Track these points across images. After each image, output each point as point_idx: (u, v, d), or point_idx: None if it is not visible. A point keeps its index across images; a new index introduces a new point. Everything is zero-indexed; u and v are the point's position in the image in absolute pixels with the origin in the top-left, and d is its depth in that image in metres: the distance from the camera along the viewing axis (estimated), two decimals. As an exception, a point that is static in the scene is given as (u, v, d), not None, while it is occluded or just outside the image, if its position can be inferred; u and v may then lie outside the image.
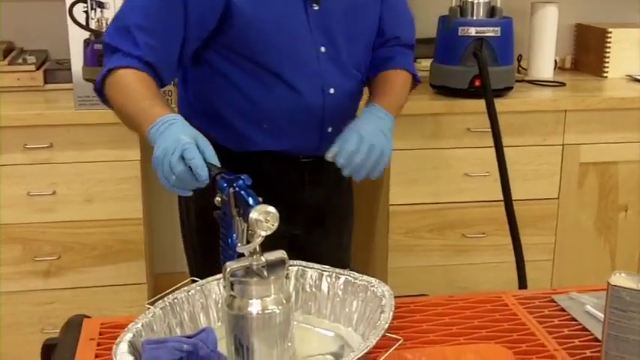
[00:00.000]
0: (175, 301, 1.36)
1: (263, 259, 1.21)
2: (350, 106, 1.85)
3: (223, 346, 1.23)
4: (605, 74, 3.32)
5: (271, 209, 1.19)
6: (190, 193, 1.45)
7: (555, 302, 1.53)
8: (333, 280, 1.43)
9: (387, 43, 1.91)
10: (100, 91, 1.65)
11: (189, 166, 1.39)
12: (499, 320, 1.46)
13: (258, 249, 1.20)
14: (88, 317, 1.47)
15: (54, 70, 2.97)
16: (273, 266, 1.22)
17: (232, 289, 1.19)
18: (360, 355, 1.17)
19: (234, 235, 1.26)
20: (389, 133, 1.74)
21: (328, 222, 1.95)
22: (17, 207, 2.70)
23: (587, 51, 3.47)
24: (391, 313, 1.28)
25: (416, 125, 2.85)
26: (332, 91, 1.76)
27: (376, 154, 1.68)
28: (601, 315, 1.42)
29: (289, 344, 1.23)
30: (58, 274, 2.78)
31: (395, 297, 1.35)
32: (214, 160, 1.40)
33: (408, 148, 2.86)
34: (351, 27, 1.78)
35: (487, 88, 2.60)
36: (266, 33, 1.67)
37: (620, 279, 1.18)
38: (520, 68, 3.35)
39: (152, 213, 3.10)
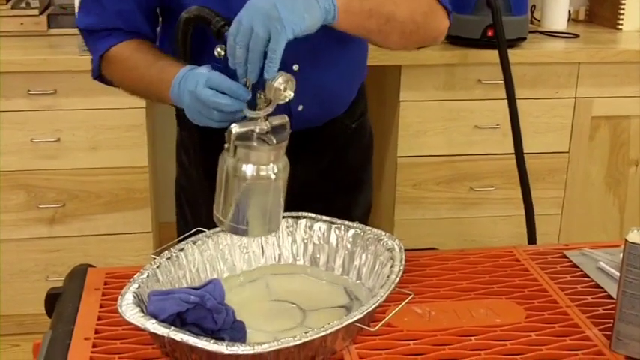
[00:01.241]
0: (182, 251, 1.34)
1: (268, 125, 1.21)
2: (331, 80, 1.57)
3: (230, 298, 1.21)
4: (619, 26, 3.25)
5: (291, 76, 1.20)
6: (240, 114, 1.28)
7: (567, 258, 1.51)
8: (342, 232, 1.41)
9: None
10: (101, 77, 1.60)
11: (223, 92, 1.27)
12: (510, 275, 1.43)
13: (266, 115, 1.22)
14: (92, 266, 1.45)
15: (57, 14, 2.93)
16: (275, 130, 1.22)
17: (235, 152, 1.20)
18: (371, 309, 1.15)
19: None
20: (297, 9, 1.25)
21: (321, 201, 1.62)
22: (21, 154, 2.67)
23: (601, 2, 3.40)
24: (402, 267, 1.26)
25: (427, 76, 2.80)
26: (295, 67, 1.48)
27: (255, 41, 1.23)
28: (614, 272, 1.40)
29: (280, 210, 1.27)
30: (63, 222, 2.76)
31: (404, 250, 1.33)
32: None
33: (417, 100, 2.82)
34: None
35: (501, 38, 2.55)
36: None
37: (637, 236, 1.15)
38: (533, 19, 3.29)
39: (157, 161, 3.08)
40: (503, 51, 2.55)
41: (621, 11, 3.24)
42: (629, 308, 1.16)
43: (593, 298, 1.36)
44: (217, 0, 1.40)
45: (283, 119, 1.24)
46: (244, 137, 1.21)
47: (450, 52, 2.83)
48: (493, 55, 2.59)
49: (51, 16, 2.91)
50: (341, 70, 1.59)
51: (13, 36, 2.85)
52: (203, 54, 1.41)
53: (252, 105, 1.25)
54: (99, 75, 1.60)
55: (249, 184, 1.21)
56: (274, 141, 1.21)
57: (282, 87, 1.20)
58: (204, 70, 1.31)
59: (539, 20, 3.29)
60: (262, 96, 1.23)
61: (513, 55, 2.65)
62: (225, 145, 1.21)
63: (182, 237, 1.38)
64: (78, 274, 1.42)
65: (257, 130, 1.21)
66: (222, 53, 1.28)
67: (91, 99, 2.65)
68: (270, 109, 1.22)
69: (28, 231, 2.75)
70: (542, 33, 3.15)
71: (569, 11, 3.32)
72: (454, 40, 2.87)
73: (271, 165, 1.21)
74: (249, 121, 1.22)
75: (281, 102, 1.21)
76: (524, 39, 2.90)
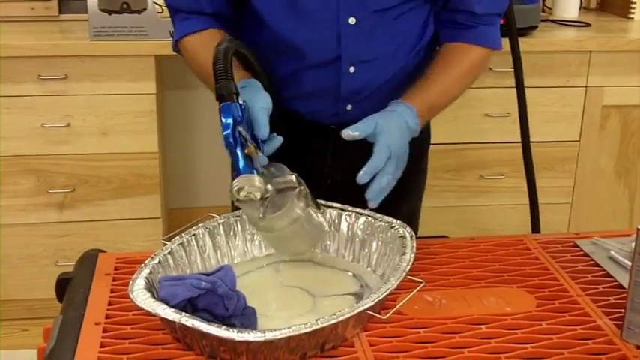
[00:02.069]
0: (193, 237, 1.34)
1: (269, 190, 1.24)
2: (387, 85, 1.58)
3: (241, 285, 1.21)
4: (631, 15, 3.23)
5: (254, 182, 1.22)
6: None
7: (578, 247, 1.50)
8: (353, 220, 1.41)
9: (463, 11, 1.58)
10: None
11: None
12: (521, 264, 1.43)
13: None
14: (103, 252, 1.46)
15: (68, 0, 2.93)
16: (283, 191, 1.26)
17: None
18: (382, 296, 1.15)
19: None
20: (408, 149, 1.44)
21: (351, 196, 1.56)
22: (31, 138, 2.68)
23: (613, -9, 3.39)
24: (412, 255, 1.26)
25: (437, 63, 2.79)
26: (352, 69, 1.54)
27: (397, 175, 1.41)
28: (625, 261, 1.40)
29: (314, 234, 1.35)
30: (73, 207, 2.77)
31: (415, 238, 1.32)
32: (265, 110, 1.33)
33: (428, 87, 2.81)
34: None
35: (512, 26, 2.53)
36: None
37: (650, 225, 1.15)
38: (545, 7, 3.27)
39: (167, 147, 3.08)
40: (514, 39, 2.53)
41: (633, 0, 3.22)
42: (641, 298, 1.16)
43: (604, 288, 1.35)
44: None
45: (290, 179, 1.27)
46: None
47: (461, 39, 2.81)
48: (504, 43, 2.57)
49: (62, 1, 2.91)
50: (393, 81, 1.58)
51: (24, 21, 2.85)
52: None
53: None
54: (177, 50, 1.62)
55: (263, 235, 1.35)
56: (261, 212, 1.25)
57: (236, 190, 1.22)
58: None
59: (550, 8, 3.27)
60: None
61: (524, 43, 2.63)
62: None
63: (193, 223, 1.38)
64: (88, 259, 1.42)
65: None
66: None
67: (101, 84, 2.65)
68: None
69: (38, 216, 2.76)
70: (554, 21, 3.13)
71: (581, 0, 3.30)
72: (465, 27, 2.85)
73: (276, 223, 1.27)
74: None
75: (243, 204, 1.25)
76: (535, 27, 2.89)
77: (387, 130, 1.39)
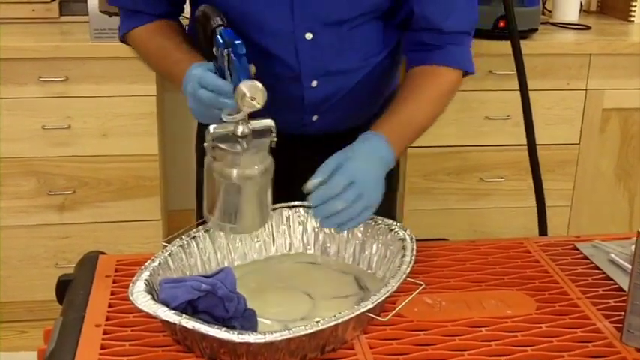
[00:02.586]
0: (193, 239, 1.34)
1: (248, 128, 1.21)
2: (351, 95, 1.57)
3: (241, 287, 1.21)
4: (631, 18, 3.23)
5: (259, 86, 1.18)
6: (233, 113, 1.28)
7: (578, 250, 1.51)
8: (354, 222, 1.41)
9: (429, 30, 1.52)
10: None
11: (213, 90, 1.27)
12: (521, 267, 1.43)
13: (245, 117, 1.20)
14: (103, 253, 1.46)
15: (69, 1, 2.92)
16: (259, 134, 1.22)
17: (213, 152, 1.21)
18: (382, 299, 1.15)
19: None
20: (382, 182, 1.37)
21: None
22: (32, 140, 2.68)
23: (613, -6, 3.39)
24: (413, 257, 1.26)
25: (437, 66, 2.79)
26: (314, 83, 1.52)
27: (360, 207, 1.31)
28: (626, 264, 1.40)
29: (266, 209, 1.28)
30: (73, 209, 2.77)
31: (415, 241, 1.32)
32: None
33: (428, 90, 2.81)
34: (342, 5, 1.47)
35: (513, 29, 2.53)
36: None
37: (650, 228, 1.15)
38: (545, 10, 3.27)
39: (168, 149, 3.08)
40: (515, 42, 2.53)
41: (633, 3, 3.22)
42: (641, 301, 1.16)
43: (604, 290, 1.35)
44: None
45: (266, 123, 1.24)
46: (226, 139, 1.21)
47: (462, 42, 2.81)
48: (505, 46, 2.57)
49: (63, 2, 2.91)
50: (358, 93, 1.57)
51: (24, 22, 2.85)
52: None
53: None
54: (124, 42, 1.61)
55: (227, 184, 1.22)
56: (245, 145, 1.21)
57: (248, 94, 1.18)
58: (197, 71, 1.30)
59: (550, 11, 3.27)
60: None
61: (524, 46, 2.61)
62: (205, 144, 1.22)
63: (192, 225, 1.38)
64: (89, 261, 1.42)
65: (238, 133, 1.20)
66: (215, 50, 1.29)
67: (102, 86, 2.65)
68: (240, 116, 1.20)
69: (38, 217, 2.76)
70: (554, 24, 3.13)
71: (581, 2, 3.31)
72: (465, 30, 2.85)
73: (249, 166, 1.22)
74: (228, 124, 1.21)
75: (249, 110, 1.19)
76: (535, 30, 2.89)
77: (353, 158, 1.33)
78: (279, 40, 1.47)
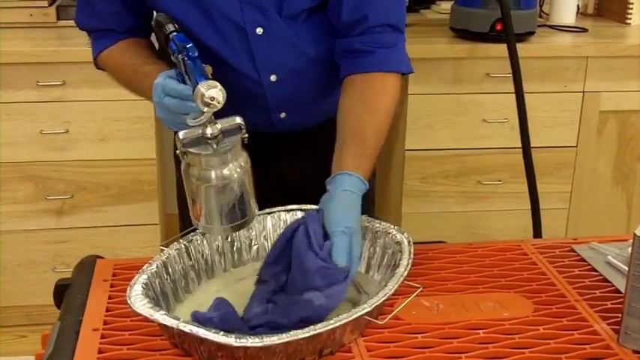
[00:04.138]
0: (190, 243, 1.34)
1: (217, 128, 1.20)
2: (316, 89, 1.58)
3: (238, 290, 1.21)
4: (628, 21, 3.23)
5: (216, 85, 1.17)
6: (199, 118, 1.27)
7: (575, 252, 1.51)
8: (351, 225, 1.41)
9: (356, 29, 1.50)
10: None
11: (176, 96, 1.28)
12: (518, 269, 1.43)
13: (212, 117, 1.20)
14: (101, 258, 1.46)
15: (67, 6, 2.92)
16: (229, 132, 1.22)
17: (185, 157, 1.22)
18: (380, 302, 1.15)
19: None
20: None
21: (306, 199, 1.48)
22: (30, 145, 2.68)
23: (610, -4, 3.39)
24: (410, 260, 1.26)
25: (435, 69, 2.80)
26: (273, 78, 1.53)
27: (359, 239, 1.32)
28: (623, 266, 1.40)
29: (253, 203, 1.27)
30: (71, 213, 2.77)
31: (413, 244, 1.32)
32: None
33: (425, 93, 2.82)
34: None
35: (509, 32, 2.54)
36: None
37: (646, 230, 1.15)
38: (542, 13, 3.28)
39: (165, 153, 3.08)
40: (512, 45, 2.54)
41: (630, 5, 3.22)
42: (638, 302, 1.16)
43: (601, 293, 1.35)
44: (189, 1, 1.43)
45: (234, 121, 1.23)
46: (197, 143, 1.21)
47: (459, 45, 2.82)
48: (501, 48, 2.58)
49: (60, 7, 2.91)
50: (323, 86, 1.59)
51: (22, 27, 2.85)
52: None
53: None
54: (99, 67, 1.63)
55: (207, 186, 1.22)
56: (215, 146, 1.20)
57: (207, 95, 1.17)
58: (160, 79, 1.31)
59: (547, 14, 3.27)
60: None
61: (522, 49, 2.64)
62: (177, 151, 1.22)
63: (190, 229, 1.38)
64: (86, 266, 1.42)
65: (207, 135, 1.20)
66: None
67: (99, 90, 2.65)
68: (204, 118, 1.20)
69: (36, 222, 2.76)
70: (551, 27, 3.14)
71: (578, 5, 3.31)
72: (462, 33, 2.86)
73: (224, 166, 1.22)
74: (196, 127, 1.21)
75: (211, 110, 1.19)
76: (532, 33, 2.89)
77: (332, 215, 1.29)
78: (233, 36, 1.47)
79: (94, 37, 1.60)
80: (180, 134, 1.21)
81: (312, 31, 1.52)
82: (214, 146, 1.20)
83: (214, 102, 1.17)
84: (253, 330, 1.16)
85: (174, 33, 1.31)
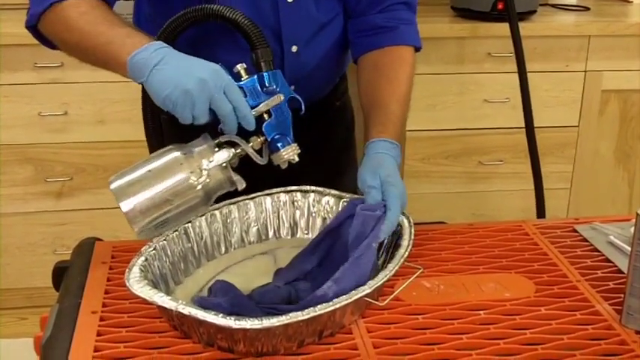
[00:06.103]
0: (189, 224, 1.33)
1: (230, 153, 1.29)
2: (326, 62, 1.58)
3: (237, 272, 1.21)
4: (631, -1, 3.22)
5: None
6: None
7: (577, 232, 1.50)
8: (351, 206, 1.40)
9: (375, 7, 1.55)
10: (35, 27, 1.47)
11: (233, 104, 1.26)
12: (520, 250, 1.42)
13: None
14: (100, 240, 1.45)
15: (65, -13, 2.90)
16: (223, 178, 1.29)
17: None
18: (380, 283, 1.14)
19: None
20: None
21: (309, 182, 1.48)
22: (28, 127, 2.67)
23: (612, -25, 3.37)
24: (411, 241, 1.25)
25: (436, 49, 2.78)
26: (294, 48, 1.50)
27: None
28: (625, 246, 1.39)
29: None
30: (71, 195, 2.76)
31: (413, 224, 1.32)
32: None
33: (426, 73, 2.80)
34: None
35: (511, 11, 2.52)
36: None
37: (649, 210, 1.14)
38: (543, -9, 3.26)
39: (165, 135, 3.07)
40: (513, 24, 2.52)
41: (633, -17, 3.21)
42: (640, 283, 1.16)
43: (603, 273, 1.35)
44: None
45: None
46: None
47: (460, 25, 2.80)
48: (503, 28, 2.57)
49: (57, -12, 2.89)
50: (334, 63, 1.60)
51: (19, 8, 2.82)
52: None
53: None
54: (34, 25, 1.48)
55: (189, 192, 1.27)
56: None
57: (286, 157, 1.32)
58: (227, 76, 1.27)
59: (549, -8, 3.26)
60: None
61: (523, 28, 2.62)
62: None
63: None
64: (85, 248, 1.42)
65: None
66: (243, 74, 1.31)
67: (98, 72, 2.57)
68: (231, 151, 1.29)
69: (36, 204, 2.76)
70: (553, 6, 3.12)
71: (580, -16, 3.29)
72: (464, 13, 2.84)
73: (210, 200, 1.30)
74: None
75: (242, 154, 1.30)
76: (534, 12, 2.88)
77: (361, 176, 1.36)
78: (265, 7, 1.46)
79: None
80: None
81: (330, 2, 1.53)
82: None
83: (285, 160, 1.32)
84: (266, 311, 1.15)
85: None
